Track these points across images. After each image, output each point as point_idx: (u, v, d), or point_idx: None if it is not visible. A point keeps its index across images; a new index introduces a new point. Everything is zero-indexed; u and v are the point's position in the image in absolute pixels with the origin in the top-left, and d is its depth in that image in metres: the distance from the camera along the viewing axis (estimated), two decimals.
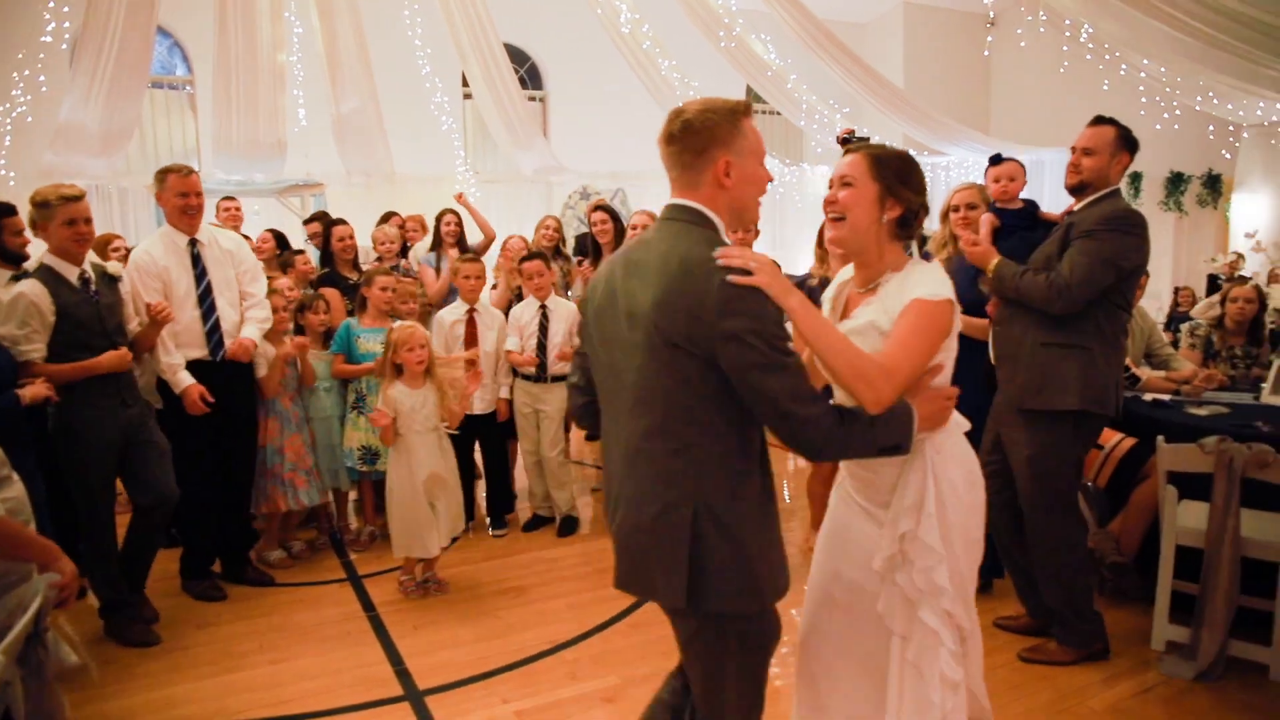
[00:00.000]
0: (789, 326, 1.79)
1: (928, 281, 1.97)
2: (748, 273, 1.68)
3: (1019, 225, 3.63)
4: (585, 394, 2.08)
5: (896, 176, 2.01)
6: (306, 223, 6.51)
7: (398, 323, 4.27)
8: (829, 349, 1.80)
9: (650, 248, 1.83)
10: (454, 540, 4.26)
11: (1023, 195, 3.84)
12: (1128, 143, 3.19)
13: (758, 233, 4.13)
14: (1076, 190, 3.22)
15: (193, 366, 3.86)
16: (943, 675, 1.96)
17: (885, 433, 1.81)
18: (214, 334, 3.94)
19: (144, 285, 3.78)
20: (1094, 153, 3.16)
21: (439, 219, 5.86)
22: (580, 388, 2.10)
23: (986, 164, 3.94)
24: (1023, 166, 3.89)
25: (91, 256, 3.63)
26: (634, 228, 4.65)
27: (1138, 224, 3.13)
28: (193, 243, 3.93)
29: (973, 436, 2.18)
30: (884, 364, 1.84)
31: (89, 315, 3.45)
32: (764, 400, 1.70)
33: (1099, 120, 3.22)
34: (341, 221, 5.49)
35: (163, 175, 3.89)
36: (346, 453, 4.61)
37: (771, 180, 1.91)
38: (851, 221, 2.02)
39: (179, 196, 3.87)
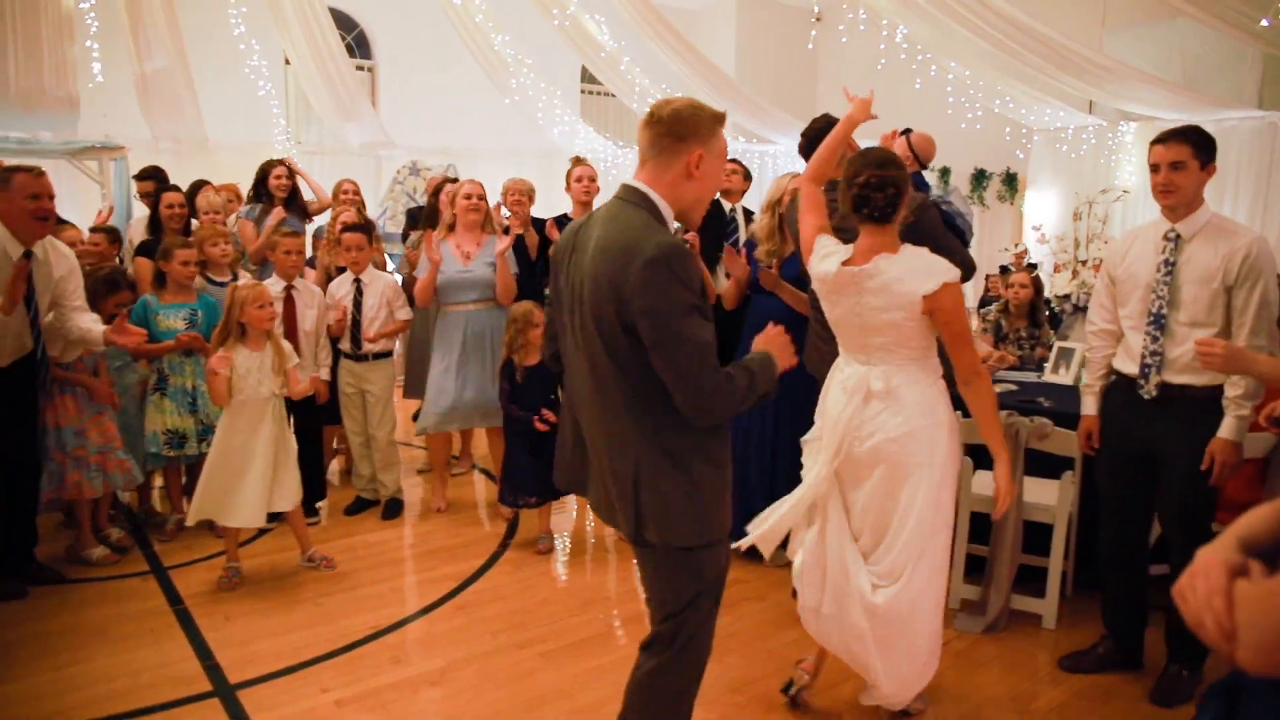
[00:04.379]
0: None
1: None
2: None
3: None
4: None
5: None
6: (137, 178, 5.99)
7: (244, 279, 4.00)
8: None
9: (603, 226, 1.99)
10: (278, 518, 4.03)
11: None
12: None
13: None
14: None
15: None
16: None
17: (764, 380, 2.02)
18: None
19: None
20: None
21: (266, 171, 5.52)
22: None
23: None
24: None
25: None
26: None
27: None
28: (28, 254, 3.37)
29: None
30: None
31: None
32: (665, 368, 1.89)
33: None
34: (175, 188, 5.16)
35: (7, 176, 3.31)
36: (150, 437, 4.27)
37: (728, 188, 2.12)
38: None
39: (30, 199, 3.30)
